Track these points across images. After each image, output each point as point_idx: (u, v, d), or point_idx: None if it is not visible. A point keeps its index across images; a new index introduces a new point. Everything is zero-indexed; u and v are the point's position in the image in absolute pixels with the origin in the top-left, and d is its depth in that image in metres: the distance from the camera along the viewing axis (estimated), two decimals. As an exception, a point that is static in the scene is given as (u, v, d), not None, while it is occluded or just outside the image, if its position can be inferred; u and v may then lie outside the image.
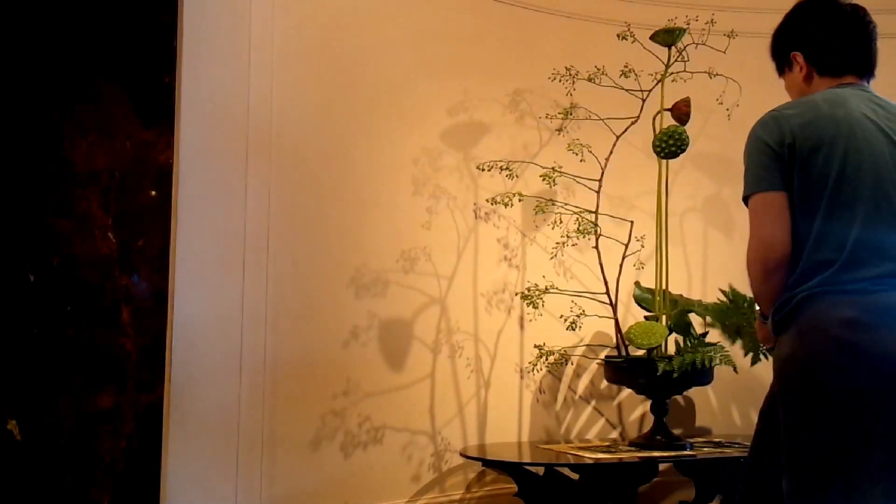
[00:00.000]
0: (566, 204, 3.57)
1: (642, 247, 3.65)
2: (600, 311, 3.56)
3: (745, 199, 2.08)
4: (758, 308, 2.17)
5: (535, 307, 3.47)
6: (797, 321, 1.99)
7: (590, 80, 3.57)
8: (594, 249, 3.56)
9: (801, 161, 2.01)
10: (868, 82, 2.21)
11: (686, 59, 3.52)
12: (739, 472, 3.42)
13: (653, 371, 3.30)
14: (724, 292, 3.61)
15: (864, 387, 1.90)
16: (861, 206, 1.99)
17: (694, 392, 3.80)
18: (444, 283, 3.66)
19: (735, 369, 3.40)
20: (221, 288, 3.06)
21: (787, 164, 2.02)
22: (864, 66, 2.19)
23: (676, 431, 3.64)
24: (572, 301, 3.51)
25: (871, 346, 1.91)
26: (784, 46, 2.26)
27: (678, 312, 3.56)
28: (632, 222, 3.60)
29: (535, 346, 3.54)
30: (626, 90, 3.55)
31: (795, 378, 1.99)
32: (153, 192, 2.99)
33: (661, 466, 3.52)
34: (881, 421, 1.90)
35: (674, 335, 3.55)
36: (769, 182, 2.03)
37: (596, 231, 3.53)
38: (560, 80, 3.62)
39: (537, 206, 3.59)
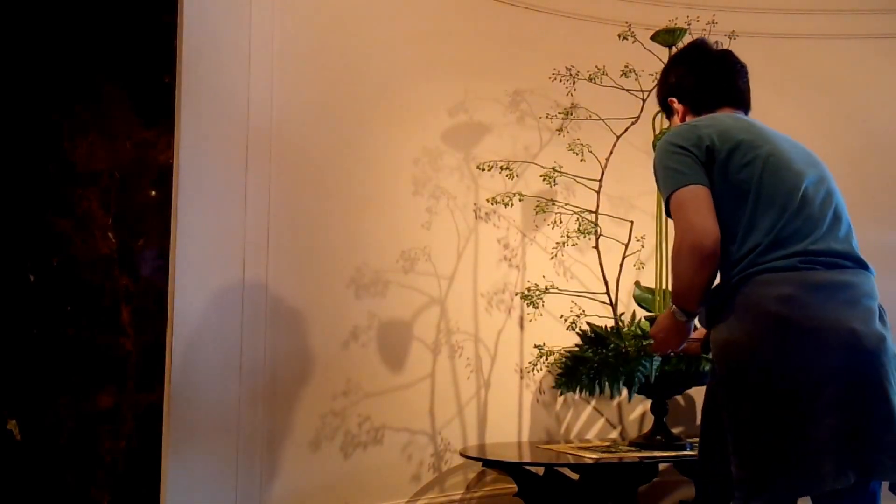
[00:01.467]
0: (566, 204, 3.57)
1: (642, 247, 3.66)
2: (600, 311, 3.55)
3: (668, 201, 2.13)
4: (675, 308, 2.16)
5: (535, 307, 3.47)
6: (734, 305, 2.04)
7: (590, 80, 3.57)
8: (594, 249, 3.56)
9: (720, 161, 2.09)
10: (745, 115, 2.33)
11: (686, 59, 3.51)
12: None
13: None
14: (582, 334, 3.42)
15: (803, 362, 1.95)
16: (781, 197, 2.07)
17: (694, 392, 3.79)
18: (444, 283, 3.66)
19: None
20: (221, 288, 3.06)
21: (705, 165, 2.10)
22: (736, 100, 2.32)
23: (676, 431, 3.64)
24: (572, 301, 3.51)
25: (806, 321, 1.96)
26: (663, 96, 2.42)
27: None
28: (632, 222, 3.60)
29: (535, 346, 3.53)
30: (627, 90, 3.55)
31: (735, 361, 2.03)
32: (153, 192, 2.99)
33: (661, 466, 3.52)
34: (822, 395, 1.93)
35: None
36: (694, 178, 2.09)
37: (596, 231, 3.53)
38: (560, 80, 3.62)
39: (537, 206, 3.59)
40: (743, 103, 2.34)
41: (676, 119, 2.38)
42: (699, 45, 2.41)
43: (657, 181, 2.20)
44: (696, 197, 2.08)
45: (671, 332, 2.24)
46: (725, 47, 2.41)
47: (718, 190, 2.09)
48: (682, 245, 2.07)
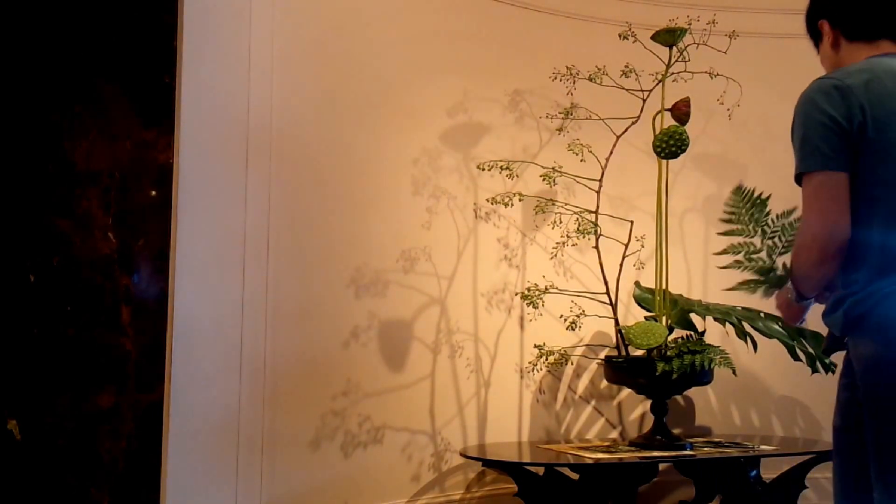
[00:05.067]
0: (566, 204, 3.57)
1: (642, 247, 3.65)
2: (600, 311, 3.56)
3: (800, 176, 1.87)
4: (791, 286, 1.96)
5: (535, 307, 3.47)
6: (878, 315, 1.79)
7: (590, 79, 3.57)
8: (594, 249, 3.56)
9: (868, 142, 1.82)
10: None
11: (687, 59, 3.51)
12: (740, 472, 3.46)
13: (652, 371, 3.30)
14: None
15: None
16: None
17: (694, 392, 3.80)
18: (444, 282, 3.66)
19: (734, 372, 3.39)
20: (221, 288, 3.06)
21: (853, 144, 1.81)
22: None
23: (676, 431, 3.64)
24: (572, 301, 3.51)
25: None
26: (812, 19, 2.06)
27: (678, 312, 3.57)
28: (632, 222, 3.60)
29: (535, 346, 3.54)
30: (627, 90, 3.55)
31: (885, 381, 1.78)
32: (153, 192, 2.99)
33: (661, 466, 3.53)
34: None
35: (673, 334, 3.55)
36: (836, 161, 1.81)
37: (596, 231, 3.53)
38: (560, 80, 3.62)
39: (537, 206, 3.59)
40: None
41: (826, 43, 2.01)
42: None
43: (792, 140, 1.90)
44: (833, 187, 1.81)
45: (783, 302, 2.02)
46: None
47: (861, 174, 1.82)
48: (807, 238, 1.85)
